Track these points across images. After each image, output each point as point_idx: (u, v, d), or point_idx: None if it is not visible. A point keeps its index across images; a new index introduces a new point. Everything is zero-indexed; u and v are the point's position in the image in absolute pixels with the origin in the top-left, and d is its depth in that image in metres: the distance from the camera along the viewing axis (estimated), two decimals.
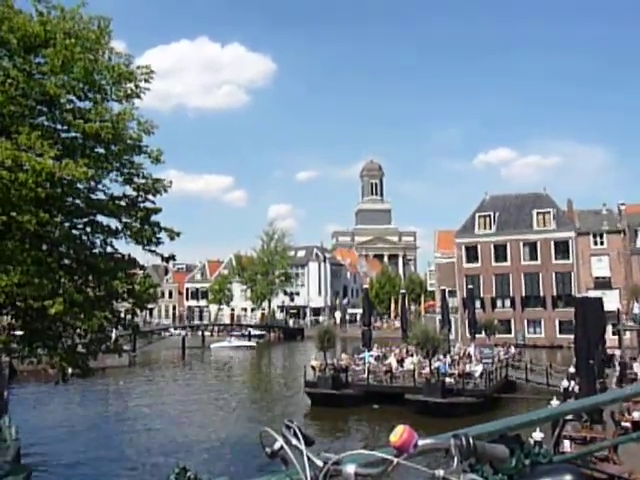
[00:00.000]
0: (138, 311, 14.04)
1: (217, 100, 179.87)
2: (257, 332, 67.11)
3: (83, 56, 10.28)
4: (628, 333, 43.87)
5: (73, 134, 11.24)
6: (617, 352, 31.95)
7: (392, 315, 71.95)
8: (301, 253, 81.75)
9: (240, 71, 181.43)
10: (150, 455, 18.38)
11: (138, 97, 11.80)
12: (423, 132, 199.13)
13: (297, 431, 1.38)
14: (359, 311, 57.77)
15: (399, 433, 1.23)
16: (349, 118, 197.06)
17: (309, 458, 1.33)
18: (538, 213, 53.83)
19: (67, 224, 12.13)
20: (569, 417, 16.86)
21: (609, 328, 30.68)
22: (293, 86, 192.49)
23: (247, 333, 65.85)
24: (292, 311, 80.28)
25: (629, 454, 12.33)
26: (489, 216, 55.29)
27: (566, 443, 14.58)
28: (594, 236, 51.77)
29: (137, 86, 11.63)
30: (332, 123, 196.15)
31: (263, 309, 75.90)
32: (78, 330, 12.07)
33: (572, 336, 40.66)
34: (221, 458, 18.02)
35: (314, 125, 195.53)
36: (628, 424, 15.92)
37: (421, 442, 1.25)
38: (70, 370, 12.33)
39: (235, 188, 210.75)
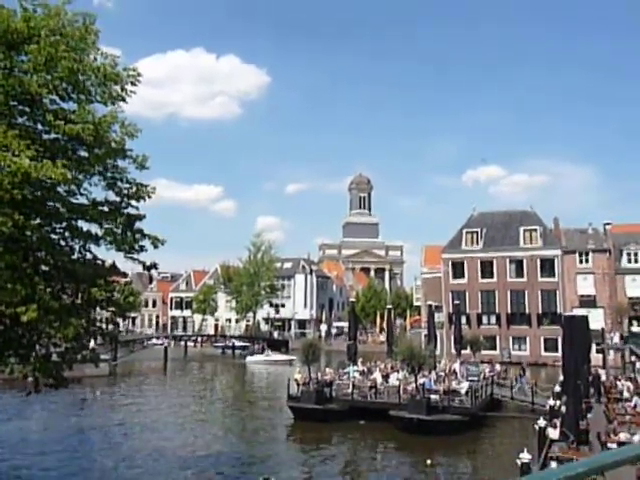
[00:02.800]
0: (120, 320, 13.63)
1: (210, 111, 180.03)
2: (241, 343, 66.30)
3: (67, 54, 9.95)
4: (612, 352, 43.97)
5: (54, 135, 10.87)
6: (602, 371, 31.95)
7: (378, 329, 71.61)
8: (288, 265, 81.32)
9: (234, 83, 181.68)
10: (123, 469, 17.78)
11: (124, 100, 11.47)
12: (413, 147, 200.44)
13: None
14: (345, 324, 57.41)
15: None
16: (340, 132, 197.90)
17: None
18: (525, 230, 54.03)
19: (45, 228, 11.71)
20: (555, 438, 16.68)
21: (593, 347, 30.55)
22: (286, 99, 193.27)
23: (231, 344, 65.02)
24: (277, 323, 79.62)
25: (615, 475, 12.06)
26: (476, 232, 55.40)
27: (553, 464, 14.32)
28: (580, 255, 52.04)
29: (123, 88, 11.30)
30: (324, 137, 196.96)
31: (248, 320, 75.19)
32: (53, 339, 11.62)
33: (557, 354, 40.64)
34: (199, 475, 17.48)
35: (306, 138, 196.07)
36: (614, 445, 15.72)
37: None
38: (44, 380, 11.84)
39: (224, 198, 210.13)
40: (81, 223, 12.07)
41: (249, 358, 54.17)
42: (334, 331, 73.98)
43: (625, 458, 1.36)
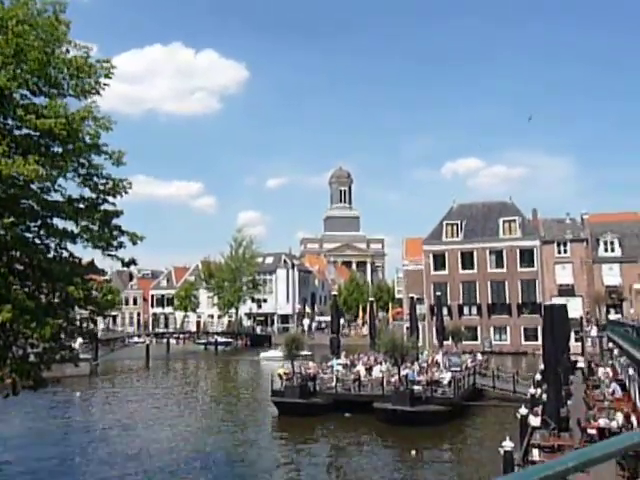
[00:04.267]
0: (100, 318, 13.41)
1: (189, 106, 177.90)
2: (223, 339, 66.01)
3: (37, 44, 9.67)
4: (590, 340, 44.71)
5: (26, 131, 10.60)
6: (580, 359, 32.48)
7: (360, 322, 71.87)
8: (269, 260, 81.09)
9: (213, 77, 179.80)
10: (104, 470, 17.55)
11: (98, 94, 11.23)
12: (392, 141, 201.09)
13: None
14: (327, 318, 57.40)
15: None
16: (320, 126, 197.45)
17: None
18: (504, 221, 54.58)
19: (19, 226, 11.44)
20: (537, 425, 16.88)
21: (572, 335, 31.00)
22: (266, 94, 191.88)
23: (214, 340, 64.66)
24: (260, 318, 79.43)
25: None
26: (456, 224, 55.81)
27: (535, 452, 14.49)
28: (558, 244, 52.75)
29: (97, 82, 11.05)
30: (304, 131, 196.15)
31: (230, 316, 74.87)
32: (30, 339, 11.39)
33: (536, 343, 41.22)
34: (183, 473, 17.34)
35: (286, 133, 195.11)
36: (594, 431, 15.97)
37: None
38: (21, 381, 11.60)
39: (205, 194, 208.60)
40: (56, 221, 11.85)
41: (263, 354, 50.43)
42: (317, 325, 74.04)
43: (605, 454, 1.28)
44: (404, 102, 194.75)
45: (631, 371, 22.05)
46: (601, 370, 27.12)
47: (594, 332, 44.07)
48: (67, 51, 10.63)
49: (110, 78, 11.14)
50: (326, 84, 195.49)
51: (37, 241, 11.70)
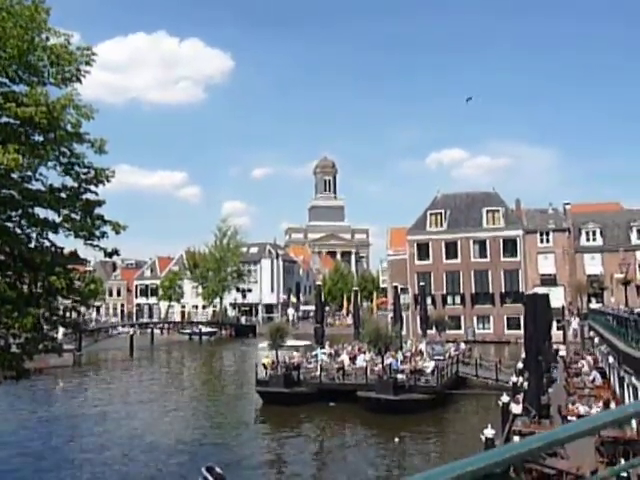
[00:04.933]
0: (83, 308, 13.32)
1: (174, 95, 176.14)
2: (208, 329, 65.87)
3: (16, 32, 9.49)
4: (571, 328, 45.38)
5: (5, 119, 10.42)
6: (562, 347, 32.97)
7: (345, 312, 72.13)
8: (254, 249, 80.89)
9: (198, 67, 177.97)
10: (87, 461, 17.49)
11: (78, 81, 11.06)
12: (377, 131, 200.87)
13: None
14: (312, 308, 57.52)
15: None
16: (306, 116, 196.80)
17: None
18: (488, 211, 54.95)
19: (0, 216, 11.28)
20: (518, 413, 17.13)
21: (554, 324, 31.41)
22: (251, 83, 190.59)
23: (198, 330, 64.47)
24: (244, 308, 79.34)
25: (576, 449, 12.49)
26: (440, 214, 56.09)
27: (516, 439, 14.70)
28: (541, 234, 53.29)
29: (77, 69, 10.88)
30: (289, 121, 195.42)
31: (215, 306, 74.67)
32: (12, 329, 11.26)
33: (519, 332, 41.84)
34: (166, 462, 17.35)
35: (271, 122, 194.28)
36: (574, 418, 16.25)
37: None
38: (3, 372, 11.50)
39: (189, 184, 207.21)
40: (38, 210, 11.74)
41: (261, 344, 44.66)
42: (301, 315, 74.16)
43: (568, 435, 1.29)
44: (390, 92, 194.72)
45: (611, 359, 22.43)
46: (582, 359, 27.55)
47: (575, 324, 44.73)
48: (47, 39, 10.46)
49: (91, 65, 10.99)
50: (312, 74, 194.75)
51: (18, 230, 11.57)
